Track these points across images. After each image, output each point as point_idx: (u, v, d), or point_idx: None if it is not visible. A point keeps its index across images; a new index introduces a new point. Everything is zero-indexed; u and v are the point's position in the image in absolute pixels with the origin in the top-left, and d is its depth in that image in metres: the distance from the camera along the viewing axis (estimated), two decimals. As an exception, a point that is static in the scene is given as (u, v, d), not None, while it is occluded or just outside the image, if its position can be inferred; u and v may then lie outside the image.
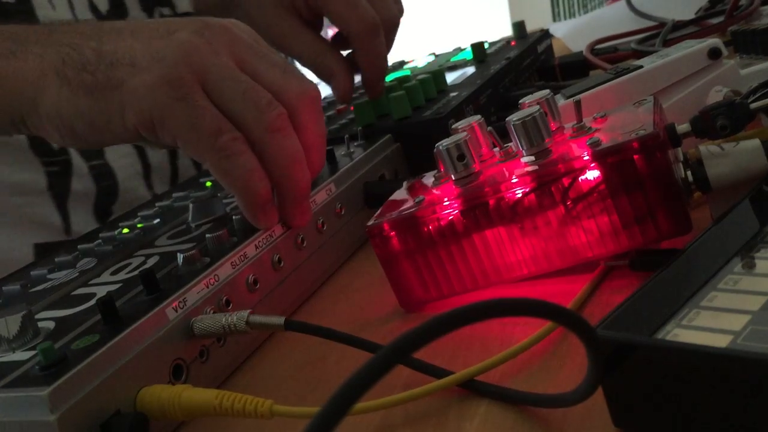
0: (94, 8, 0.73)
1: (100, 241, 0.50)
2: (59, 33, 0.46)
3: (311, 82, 0.46)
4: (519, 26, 0.87)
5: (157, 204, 0.56)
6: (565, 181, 0.36)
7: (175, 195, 0.57)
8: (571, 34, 1.00)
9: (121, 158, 0.73)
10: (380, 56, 0.63)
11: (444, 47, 0.95)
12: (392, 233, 0.39)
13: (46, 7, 0.69)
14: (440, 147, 0.39)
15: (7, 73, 0.44)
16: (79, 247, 0.50)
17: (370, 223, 0.40)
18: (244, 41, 0.44)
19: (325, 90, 0.63)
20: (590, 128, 0.38)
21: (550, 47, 0.87)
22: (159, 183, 0.77)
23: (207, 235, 0.42)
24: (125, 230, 0.52)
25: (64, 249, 0.50)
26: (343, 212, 0.50)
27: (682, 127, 0.38)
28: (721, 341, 0.23)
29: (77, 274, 0.45)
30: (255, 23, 0.66)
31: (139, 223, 0.52)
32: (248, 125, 0.42)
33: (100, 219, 0.72)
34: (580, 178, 0.36)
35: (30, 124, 0.45)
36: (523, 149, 0.38)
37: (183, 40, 0.42)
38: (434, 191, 0.41)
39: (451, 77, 0.72)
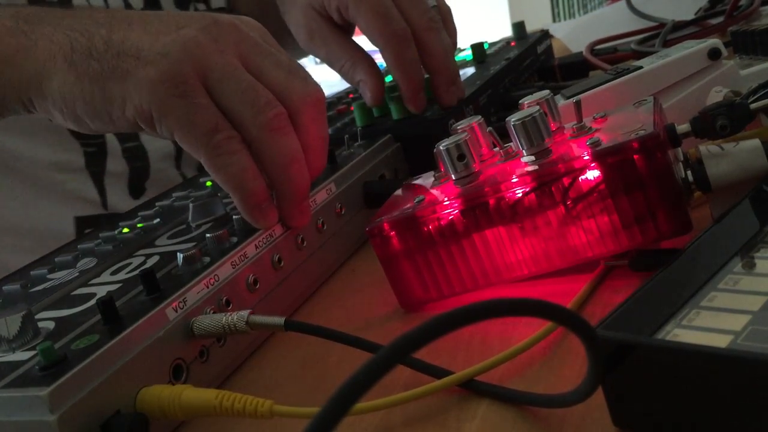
0: (127, 5, 0.76)
1: (100, 240, 0.50)
2: (73, 17, 0.47)
3: (316, 84, 0.46)
4: (519, 27, 0.87)
5: (157, 204, 0.56)
6: (566, 181, 0.36)
7: (175, 195, 0.57)
8: (570, 35, 1.00)
9: (155, 140, 0.77)
10: (412, 68, 0.59)
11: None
12: (392, 233, 0.39)
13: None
14: (440, 147, 0.39)
15: (17, 51, 0.45)
16: (79, 246, 0.50)
17: (369, 223, 0.40)
18: (251, 39, 0.45)
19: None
20: (590, 128, 0.38)
21: (549, 48, 0.87)
22: (188, 167, 0.82)
23: (207, 235, 0.42)
24: (125, 230, 0.52)
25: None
26: (343, 212, 0.50)
27: (682, 128, 0.38)
28: (721, 341, 0.23)
29: (77, 274, 0.45)
30: (287, 23, 0.69)
31: (140, 222, 0.52)
32: (246, 124, 0.42)
33: (134, 195, 0.77)
34: (580, 178, 0.36)
35: (36, 104, 0.46)
36: (523, 149, 0.38)
37: (189, 36, 0.43)
38: (434, 191, 0.41)
39: (451, 77, 0.72)
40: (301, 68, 0.46)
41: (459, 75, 0.62)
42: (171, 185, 0.64)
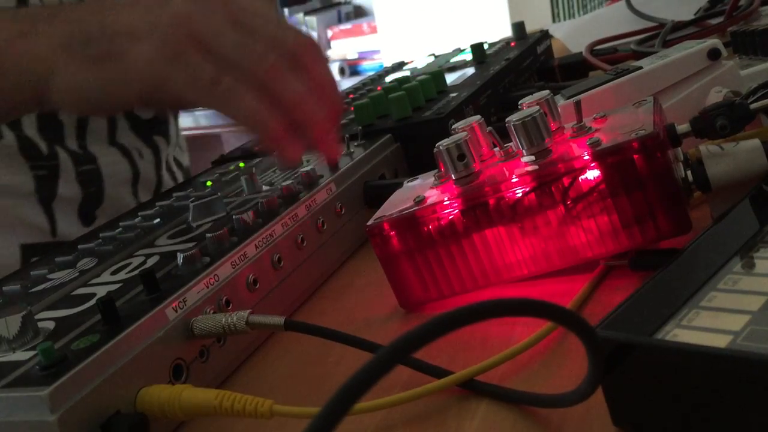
0: None
1: (100, 240, 0.50)
2: (67, 11, 0.49)
3: (308, 34, 0.48)
4: (518, 27, 0.87)
5: (157, 203, 0.56)
6: (565, 181, 0.36)
7: (175, 195, 0.57)
8: (570, 35, 1.00)
9: (112, 165, 0.76)
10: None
11: (444, 48, 0.95)
12: (392, 233, 0.39)
13: None
14: (440, 147, 0.39)
15: (20, 53, 0.48)
16: (79, 246, 0.50)
17: (369, 222, 0.40)
18: (237, 2, 0.47)
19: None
20: (590, 128, 0.38)
21: (549, 48, 0.87)
22: (144, 192, 0.79)
23: (207, 235, 0.42)
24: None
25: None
26: (343, 212, 0.50)
27: (682, 128, 0.38)
28: (720, 341, 0.23)
29: (77, 273, 0.45)
30: None
31: (140, 222, 0.52)
32: (247, 77, 0.44)
33: (84, 222, 0.74)
34: (580, 178, 0.36)
35: (46, 100, 0.48)
36: (523, 149, 0.38)
37: (177, 7, 0.45)
38: (434, 191, 0.41)
39: (450, 78, 0.72)
40: (292, 23, 0.48)
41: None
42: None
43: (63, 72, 0.46)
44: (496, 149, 0.41)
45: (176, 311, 0.36)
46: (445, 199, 0.38)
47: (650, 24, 0.88)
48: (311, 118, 0.45)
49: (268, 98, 0.44)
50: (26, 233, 0.71)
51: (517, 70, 0.75)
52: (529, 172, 0.37)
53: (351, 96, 0.80)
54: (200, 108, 0.47)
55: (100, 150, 0.75)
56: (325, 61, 0.48)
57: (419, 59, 0.91)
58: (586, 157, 0.36)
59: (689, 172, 0.37)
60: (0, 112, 0.55)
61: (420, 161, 0.58)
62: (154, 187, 0.81)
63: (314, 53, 0.47)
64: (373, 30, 2.39)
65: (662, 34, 0.77)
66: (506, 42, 0.86)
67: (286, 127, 0.44)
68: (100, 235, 0.51)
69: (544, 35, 0.86)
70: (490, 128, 0.41)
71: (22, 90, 0.49)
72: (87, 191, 0.74)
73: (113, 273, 0.43)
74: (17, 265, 0.69)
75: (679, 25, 0.81)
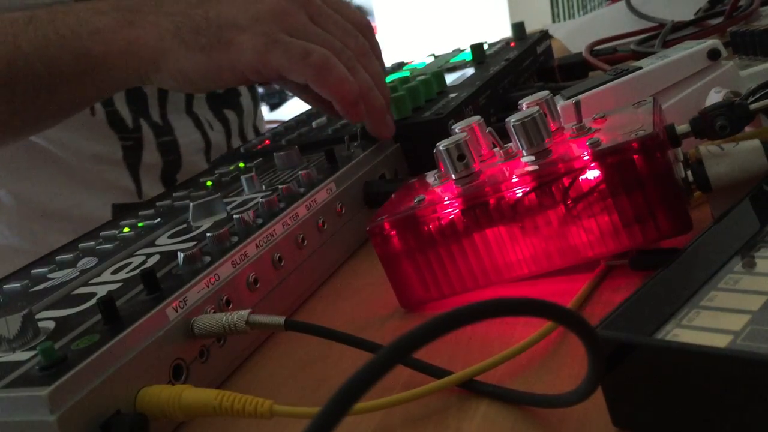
0: None
1: (100, 240, 0.50)
2: (167, 4, 0.57)
3: (363, 38, 0.59)
4: (518, 27, 0.87)
5: (157, 203, 0.56)
6: (566, 181, 0.36)
7: (175, 195, 0.57)
8: (570, 35, 1.00)
9: (188, 135, 0.86)
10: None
11: (443, 48, 0.95)
12: (393, 232, 0.40)
13: None
14: (440, 147, 0.39)
15: (130, 39, 0.55)
16: (79, 246, 0.50)
17: (370, 222, 0.40)
18: (315, 2, 0.57)
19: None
20: (590, 129, 0.38)
21: (549, 48, 0.87)
22: (217, 156, 0.85)
23: (207, 234, 0.42)
24: (126, 229, 0.52)
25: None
26: (343, 212, 0.50)
27: (682, 128, 0.38)
28: (720, 341, 0.23)
29: (78, 273, 0.45)
30: None
31: (140, 222, 0.53)
32: (339, 55, 0.54)
33: (166, 185, 0.84)
34: (580, 178, 0.36)
35: (152, 79, 0.56)
36: (523, 149, 0.38)
37: (272, 3, 0.55)
38: (435, 191, 0.41)
39: (450, 78, 0.72)
40: (351, 13, 0.60)
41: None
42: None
43: (174, 57, 0.54)
44: (496, 149, 0.41)
45: (176, 311, 0.36)
46: (446, 199, 0.38)
47: (650, 24, 0.88)
48: (379, 97, 0.55)
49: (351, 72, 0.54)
50: (117, 195, 0.82)
51: (517, 70, 0.75)
52: (529, 172, 0.37)
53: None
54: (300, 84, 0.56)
55: (178, 120, 0.86)
56: (374, 62, 0.58)
57: (419, 59, 0.91)
58: (586, 158, 0.36)
59: (689, 172, 0.37)
60: (102, 92, 0.63)
61: (420, 161, 0.58)
62: (225, 151, 0.89)
63: (368, 57, 0.57)
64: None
65: (662, 34, 0.77)
66: (506, 42, 0.86)
67: (362, 96, 0.54)
68: (101, 234, 0.51)
69: (544, 35, 0.86)
70: (489, 128, 0.41)
71: (127, 72, 0.56)
72: (167, 159, 0.84)
73: (114, 272, 0.43)
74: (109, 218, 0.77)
75: (678, 26, 0.81)
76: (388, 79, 0.65)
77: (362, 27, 0.60)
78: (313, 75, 0.53)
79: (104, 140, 0.81)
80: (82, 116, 0.75)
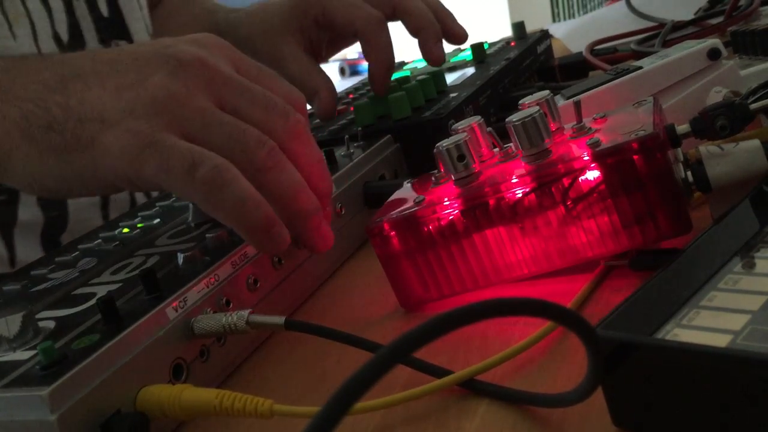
0: (57, 38, 0.69)
1: (100, 240, 0.50)
2: (20, 86, 0.42)
3: (294, 110, 0.43)
4: (518, 27, 0.87)
5: (157, 204, 0.56)
6: (565, 182, 0.36)
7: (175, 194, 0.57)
8: (570, 35, 1.00)
9: None
10: (386, 50, 0.65)
11: (443, 48, 0.95)
12: (392, 233, 0.40)
13: (8, 38, 0.65)
14: (440, 147, 0.39)
15: None
16: (79, 246, 0.50)
17: (370, 222, 0.40)
18: (221, 75, 0.41)
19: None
20: (590, 129, 0.38)
21: (549, 48, 0.87)
22: (115, 214, 0.73)
23: (207, 235, 0.42)
24: (125, 230, 0.52)
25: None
26: (343, 212, 0.50)
27: (682, 128, 0.38)
28: (720, 341, 0.23)
29: (77, 273, 0.45)
30: (256, 48, 0.71)
31: (140, 222, 0.53)
32: (241, 167, 0.38)
33: (47, 249, 0.69)
34: (580, 179, 0.36)
35: (4, 181, 0.43)
36: (523, 150, 0.38)
37: (155, 88, 0.39)
38: (434, 191, 0.41)
39: (450, 78, 0.72)
40: (277, 86, 0.44)
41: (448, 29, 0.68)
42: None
43: (21, 160, 0.40)
44: (496, 150, 0.41)
45: (176, 311, 0.36)
46: (445, 199, 0.38)
47: (650, 24, 0.88)
48: (305, 211, 0.40)
49: (256, 187, 0.38)
50: None
51: (517, 70, 0.75)
52: (529, 173, 0.37)
53: (351, 96, 0.80)
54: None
55: None
56: (312, 141, 0.43)
57: (419, 59, 0.91)
58: (586, 158, 0.36)
59: (689, 173, 0.37)
60: None
61: (420, 161, 0.58)
62: (128, 207, 0.75)
63: (301, 137, 0.42)
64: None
65: (662, 34, 0.77)
66: (506, 42, 0.86)
67: (274, 220, 0.38)
68: (101, 235, 0.51)
69: (544, 35, 0.86)
70: (489, 129, 0.41)
71: None
72: (49, 215, 0.68)
73: (113, 273, 0.43)
74: None
75: (678, 25, 0.81)
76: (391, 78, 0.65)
77: (293, 100, 0.44)
78: (201, 196, 0.38)
79: None
80: None
